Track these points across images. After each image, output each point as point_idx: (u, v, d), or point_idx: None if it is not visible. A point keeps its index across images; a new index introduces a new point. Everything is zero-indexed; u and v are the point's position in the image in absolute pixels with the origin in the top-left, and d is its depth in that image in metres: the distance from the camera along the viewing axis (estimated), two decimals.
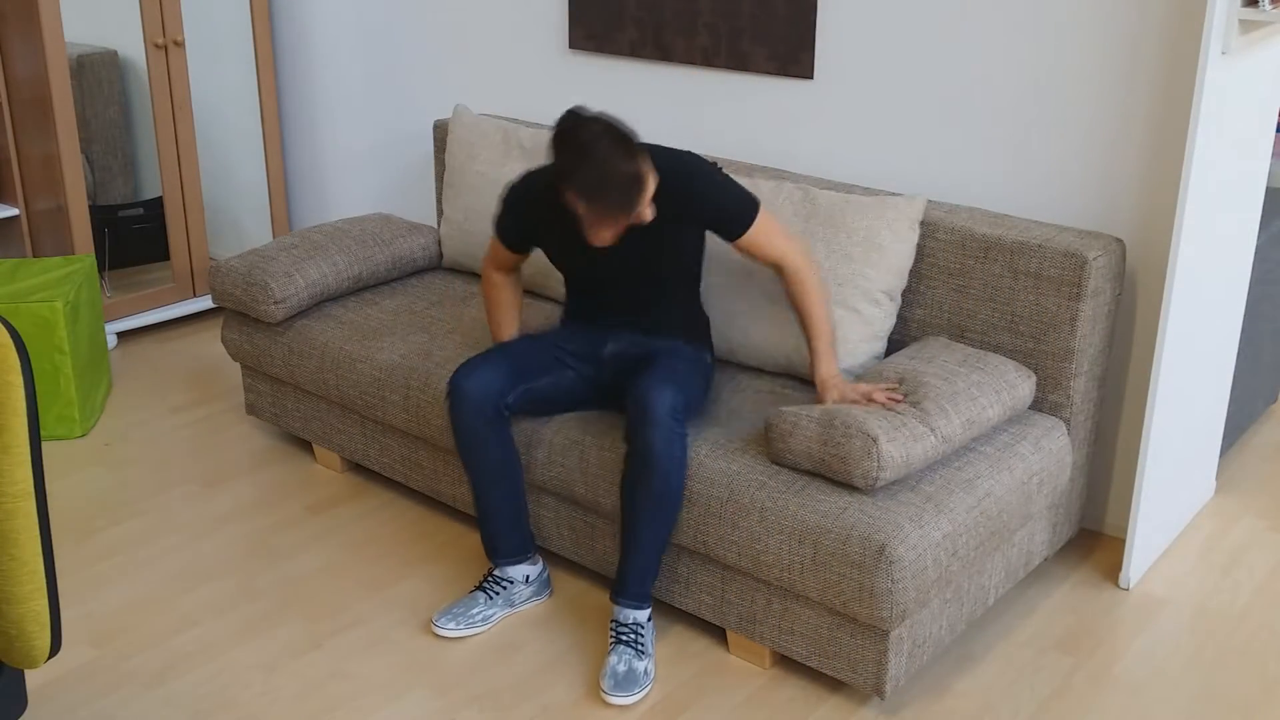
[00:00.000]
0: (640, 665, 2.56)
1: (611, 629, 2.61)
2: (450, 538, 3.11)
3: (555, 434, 2.78)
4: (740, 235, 2.68)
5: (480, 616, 2.74)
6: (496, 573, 2.80)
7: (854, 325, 2.82)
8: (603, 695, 2.51)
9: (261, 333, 3.39)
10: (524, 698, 2.54)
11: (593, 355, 2.80)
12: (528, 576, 2.81)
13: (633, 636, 2.59)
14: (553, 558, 3.00)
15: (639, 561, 2.58)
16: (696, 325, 2.85)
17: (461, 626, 2.71)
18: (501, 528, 2.76)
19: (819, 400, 2.64)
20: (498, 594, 2.78)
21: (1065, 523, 2.92)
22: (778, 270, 2.71)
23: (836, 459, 2.39)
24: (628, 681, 2.52)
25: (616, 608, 2.62)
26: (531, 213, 2.74)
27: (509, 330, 2.92)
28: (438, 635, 2.71)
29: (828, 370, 2.66)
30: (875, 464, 2.35)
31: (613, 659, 2.56)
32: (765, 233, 2.69)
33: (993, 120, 2.99)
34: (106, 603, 2.84)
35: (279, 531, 3.13)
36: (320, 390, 3.28)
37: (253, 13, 4.35)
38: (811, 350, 2.70)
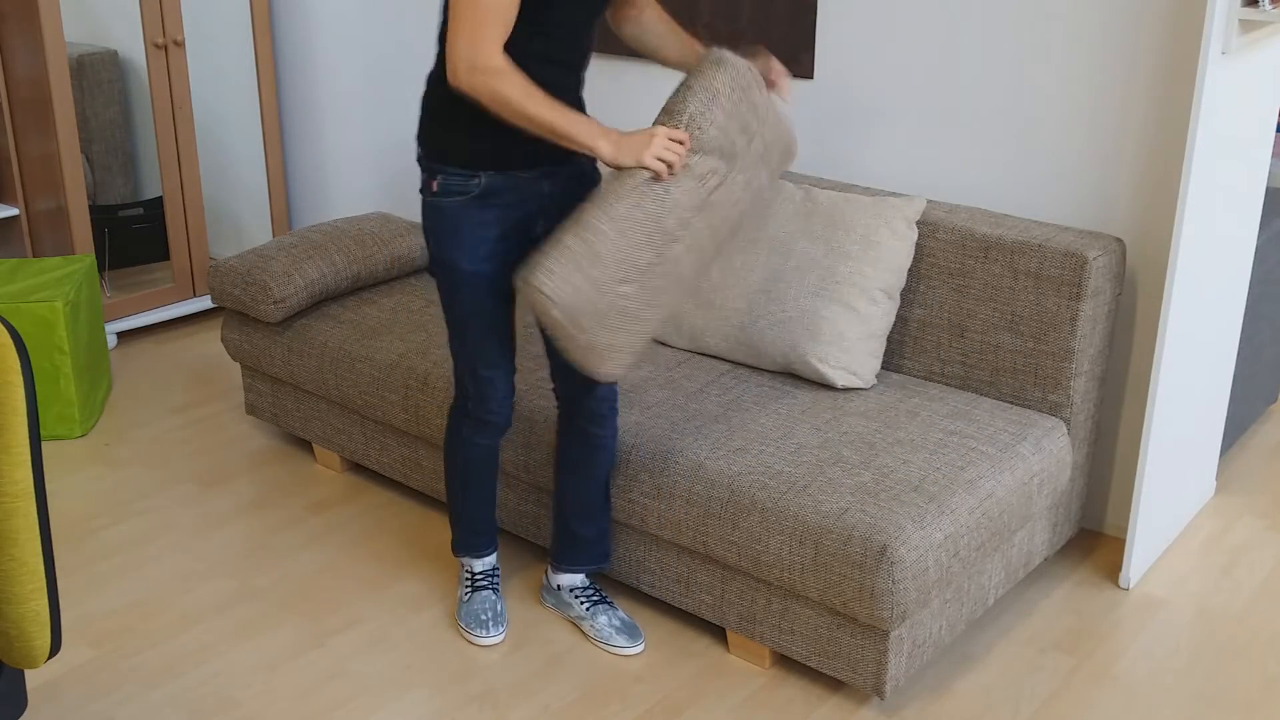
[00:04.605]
0: (622, 612, 2.73)
1: (582, 597, 2.73)
2: (450, 537, 3.11)
3: (554, 434, 2.78)
4: None
5: (503, 611, 2.76)
6: (482, 568, 2.79)
7: (851, 323, 2.82)
8: (620, 652, 2.65)
9: (261, 332, 3.39)
10: (524, 698, 2.54)
11: (525, 241, 2.47)
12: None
13: (600, 594, 2.74)
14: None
15: (606, 522, 2.71)
16: None
17: (503, 628, 2.73)
18: (491, 517, 2.77)
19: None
20: (497, 585, 2.80)
21: (1065, 523, 2.92)
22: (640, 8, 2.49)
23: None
24: (632, 629, 2.68)
25: (580, 576, 2.76)
26: None
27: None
28: (486, 646, 2.70)
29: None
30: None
31: (602, 619, 2.69)
32: None
33: (992, 120, 2.99)
34: (106, 603, 2.84)
35: (279, 531, 3.13)
36: (320, 390, 3.28)
37: (253, 13, 4.35)
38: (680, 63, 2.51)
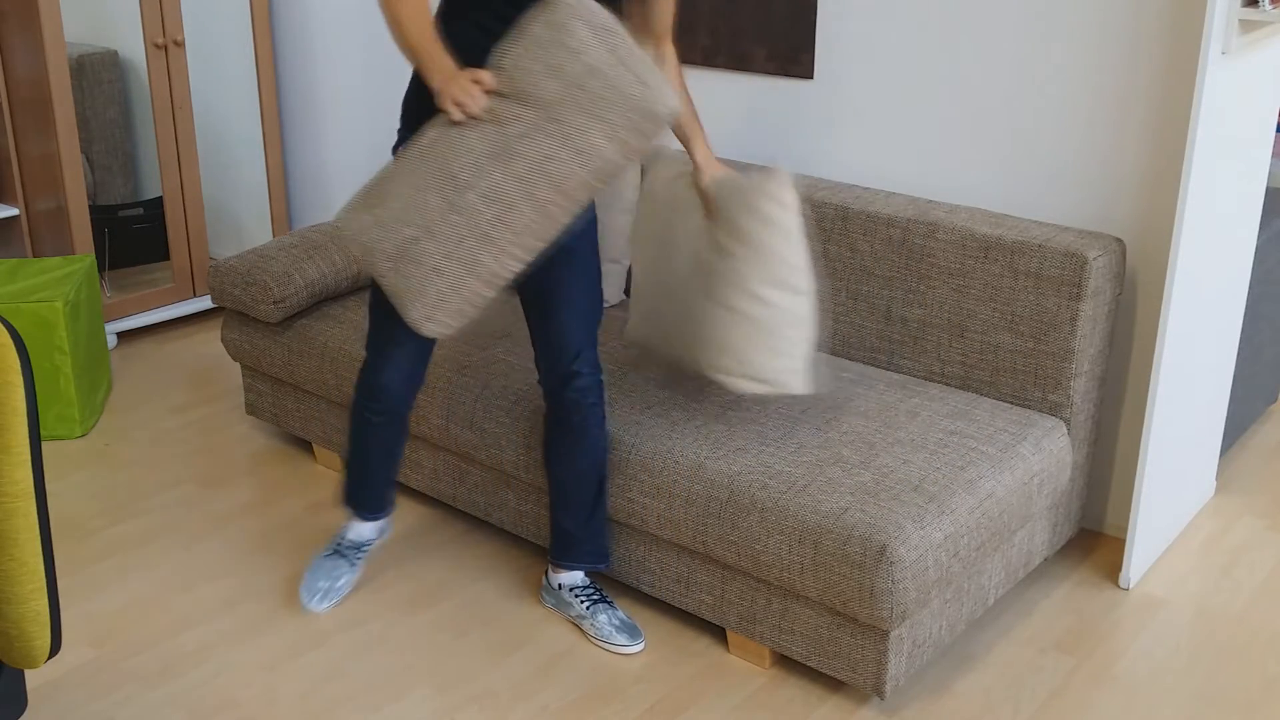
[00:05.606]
0: (622, 612, 2.73)
1: (582, 596, 2.72)
2: (450, 536, 3.11)
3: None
4: None
5: (343, 590, 2.80)
6: (355, 537, 2.82)
7: (735, 325, 2.52)
8: (620, 651, 2.66)
9: (261, 332, 3.39)
10: (524, 698, 2.54)
11: None
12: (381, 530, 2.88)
13: (600, 593, 2.73)
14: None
15: (600, 520, 2.69)
16: None
17: (328, 604, 2.77)
18: (382, 486, 2.77)
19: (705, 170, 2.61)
20: (357, 562, 2.83)
21: (1065, 523, 2.92)
22: (657, 45, 2.54)
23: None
24: (632, 628, 2.68)
25: (579, 574, 2.75)
26: None
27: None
28: (308, 611, 2.76)
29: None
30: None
31: (602, 618, 2.69)
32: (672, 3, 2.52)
33: (993, 120, 2.99)
34: (106, 603, 2.84)
35: (279, 531, 3.13)
36: (320, 390, 3.28)
37: (253, 13, 4.35)
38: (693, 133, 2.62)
